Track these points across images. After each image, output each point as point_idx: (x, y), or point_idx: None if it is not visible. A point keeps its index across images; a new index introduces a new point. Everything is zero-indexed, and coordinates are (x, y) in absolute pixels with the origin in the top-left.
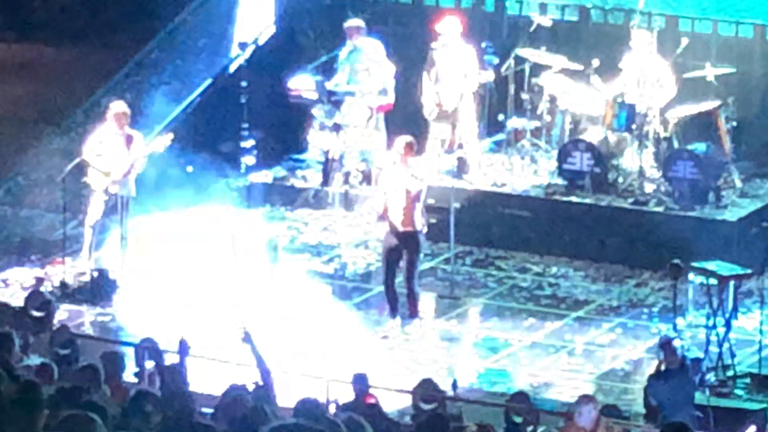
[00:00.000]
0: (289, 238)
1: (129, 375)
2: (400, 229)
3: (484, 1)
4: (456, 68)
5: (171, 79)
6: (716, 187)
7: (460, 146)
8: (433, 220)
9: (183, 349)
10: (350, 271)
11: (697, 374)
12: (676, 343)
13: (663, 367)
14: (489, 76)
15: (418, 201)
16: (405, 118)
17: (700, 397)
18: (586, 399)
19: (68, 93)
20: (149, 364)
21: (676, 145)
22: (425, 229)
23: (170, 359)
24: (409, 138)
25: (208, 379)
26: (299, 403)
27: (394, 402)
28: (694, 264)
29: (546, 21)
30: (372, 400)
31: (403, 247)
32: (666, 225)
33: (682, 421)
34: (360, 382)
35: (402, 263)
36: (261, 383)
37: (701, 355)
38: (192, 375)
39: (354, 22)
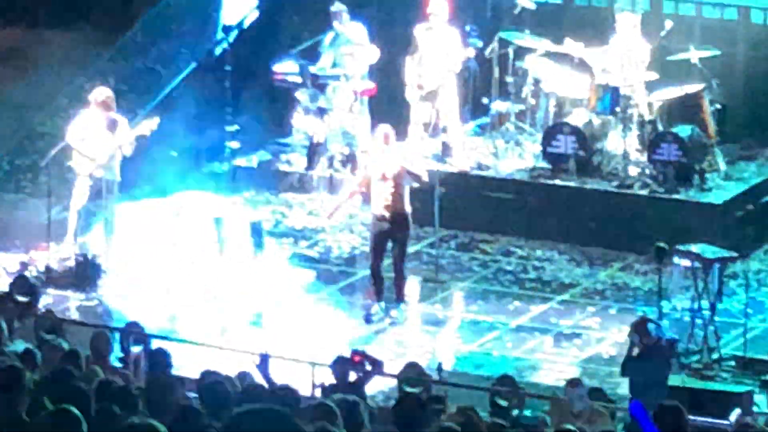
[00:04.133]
0: (274, 223)
1: (114, 360)
2: (390, 213)
3: None
4: (439, 49)
5: (155, 63)
6: (700, 170)
7: (444, 130)
8: (417, 204)
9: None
10: (335, 255)
11: (673, 355)
12: (650, 324)
13: (637, 350)
14: (469, 52)
15: (405, 185)
16: (389, 102)
17: (675, 379)
18: (575, 382)
19: (53, 77)
20: (135, 349)
21: (660, 127)
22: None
23: (155, 344)
24: (386, 127)
25: (192, 363)
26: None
27: (379, 386)
28: (679, 247)
29: (530, 4)
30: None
31: (392, 232)
32: (650, 208)
33: (656, 401)
34: (340, 365)
35: (390, 247)
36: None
37: (676, 336)
38: (177, 360)
39: (337, 6)
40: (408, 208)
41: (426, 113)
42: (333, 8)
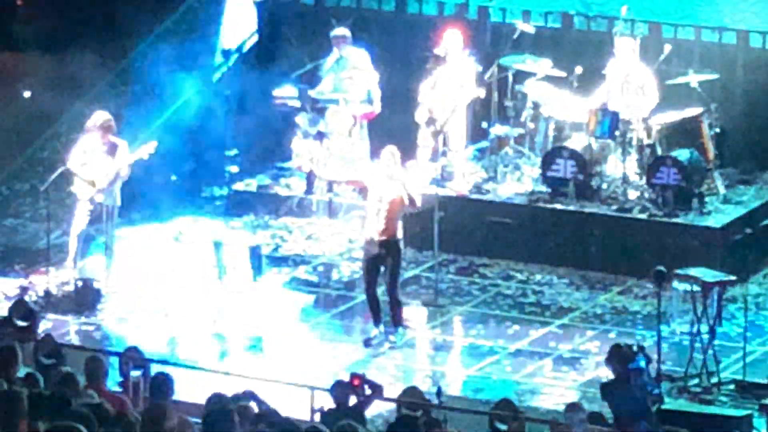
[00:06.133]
0: (273, 247)
1: (113, 385)
2: (381, 237)
3: (467, 9)
4: (453, 81)
5: (155, 87)
6: (700, 194)
7: (444, 154)
8: (416, 228)
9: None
10: (334, 279)
11: (640, 383)
12: (625, 351)
13: (612, 376)
14: (481, 92)
15: (401, 210)
16: (389, 126)
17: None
18: (574, 407)
19: (52, 102)
20: (134, 374)
21: (659, 151)
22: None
23: (155, 368)
24: (393, 148)
25: (191, 388)
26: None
27: (379, 410)
28: (678, 271)
29: (529, 28)
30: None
31: (383, 256)
32: (650, 232)
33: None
34: (339, 389)
35: (383, 271)
36: None
37: (643, 364)
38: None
39: (340, 31)
40: (399, 234)
41: (433, 139)
42: (335, 32)
